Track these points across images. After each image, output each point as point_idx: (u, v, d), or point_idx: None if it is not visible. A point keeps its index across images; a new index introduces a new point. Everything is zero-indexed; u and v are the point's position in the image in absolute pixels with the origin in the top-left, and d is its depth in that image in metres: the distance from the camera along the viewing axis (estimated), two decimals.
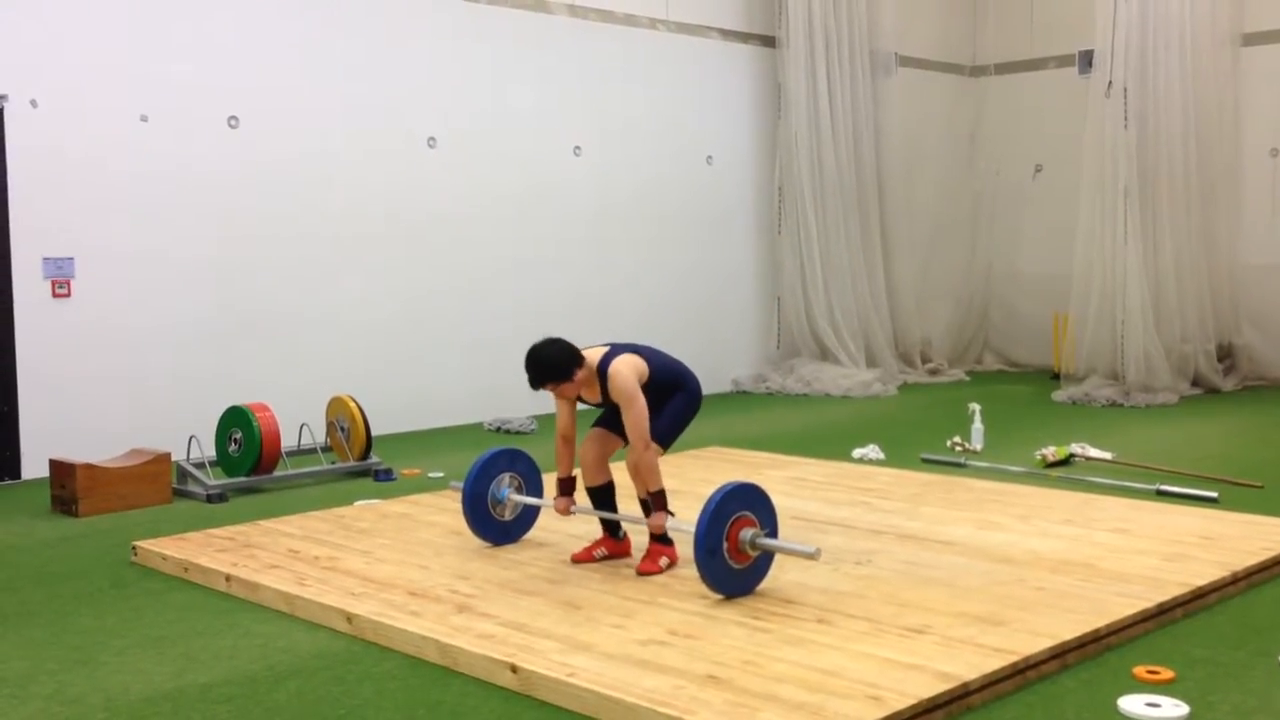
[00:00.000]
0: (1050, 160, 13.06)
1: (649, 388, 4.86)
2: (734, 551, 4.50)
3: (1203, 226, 11.22)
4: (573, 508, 5.12)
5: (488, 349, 9.73)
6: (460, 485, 5.36)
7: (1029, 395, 11.20)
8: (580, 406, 5.09)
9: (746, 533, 4.51)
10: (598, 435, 5.10)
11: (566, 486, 5.11)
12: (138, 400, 7.91)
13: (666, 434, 4.90)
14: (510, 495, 5.39)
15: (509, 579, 4.84)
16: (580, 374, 4.85)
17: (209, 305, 8.26)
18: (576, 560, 5.10)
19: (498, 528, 5.42)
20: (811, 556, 4.50)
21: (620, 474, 5.05)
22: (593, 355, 4.90)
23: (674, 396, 4.95)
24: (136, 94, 7.90)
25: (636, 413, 4.76)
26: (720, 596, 4.52)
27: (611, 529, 5.17)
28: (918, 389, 11.81)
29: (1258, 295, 11.72)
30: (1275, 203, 11.68)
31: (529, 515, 5.53)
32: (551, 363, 4.81)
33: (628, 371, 4.80)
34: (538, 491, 5.48)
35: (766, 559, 4.65)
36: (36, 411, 7.55)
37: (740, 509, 4.51)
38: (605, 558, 5.12)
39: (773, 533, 4.63)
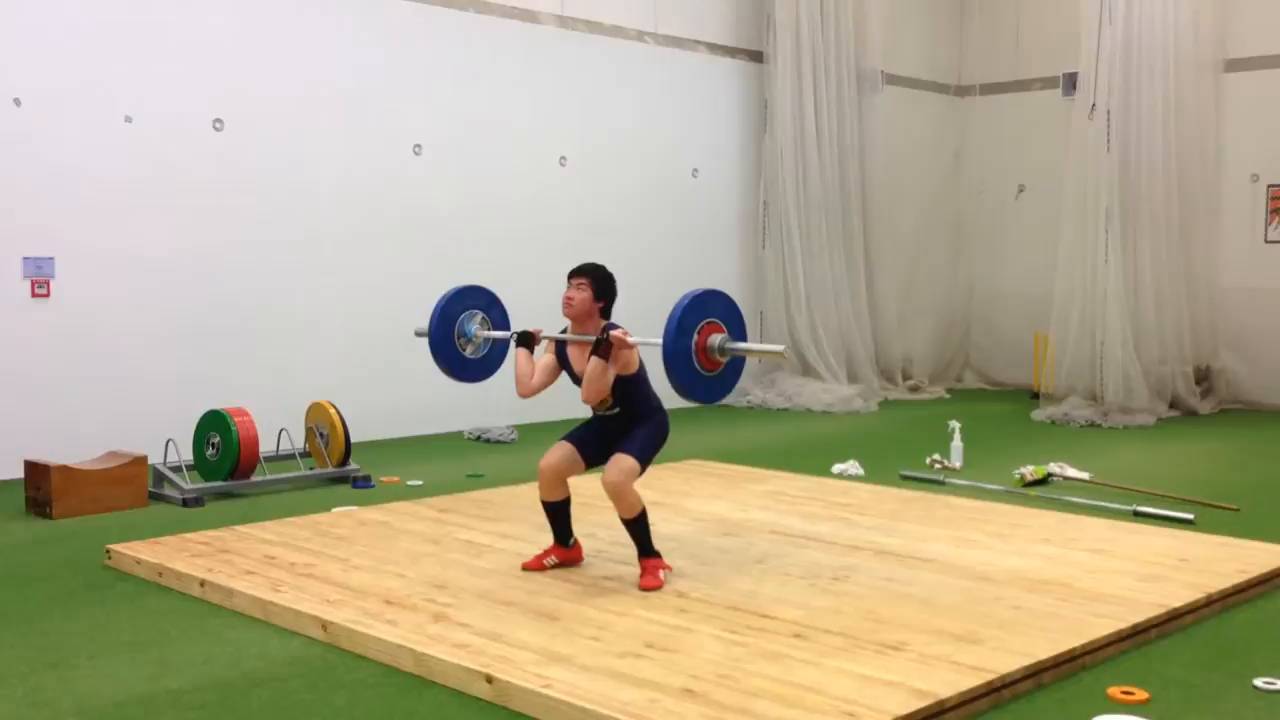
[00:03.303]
0: (1033, 181, 13.14)
1: (633, 387, 4.85)
2: (701, 355, 4.52)
3: (1183, 249, 11.30)
4: (542, 333, 5.12)
5: None
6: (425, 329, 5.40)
7: (1008, 414, 11.25)
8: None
9: (715, 338, 4.55)
10: (564, 450, 4.99)
11: (525, 337, 5.12)
12: (115, 402, 7.86)
13: (644, 453, 4.85)
14: (477, 332, 5.43)
15: (486, 588, 4.82)
16: (599, 311, 4.90)
17: (189, 308, 8.21)
18: (527, 568, 5.08)
19: (459, 361, 5.45)
20: (781, 354, 4.70)
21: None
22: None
23: (647, 422, 4.91)
24: (121, 94, 7.86)
25: (607, 366, 4.71)
26: (687, 402, 4.63)
27: (562, 538, 5.14)
28: (898, 405, 11.84)
29: (1236, 319, 11.80)
30: (1255, 227, 11.77)
31: (492, 360, 5.52)
32: (605, 274, 4.94)
33: (629, 341, 4.78)
34: (505, 342, 5.49)
35: (732, 372, 4.68)
36: (12, 412, 7.48)
37: (709, 315, 4.55)
38: (556, 566, 5.10)
39: (741, 339, 4.67)
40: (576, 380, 4.92)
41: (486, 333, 5.45)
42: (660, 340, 4.49)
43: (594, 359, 4.71)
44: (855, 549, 5.53)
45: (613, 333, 4.72)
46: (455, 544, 5.60)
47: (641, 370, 4.94)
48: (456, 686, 3.87)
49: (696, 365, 4.52)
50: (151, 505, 6.77)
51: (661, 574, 4.90)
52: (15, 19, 7.45)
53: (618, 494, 4.77)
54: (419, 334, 5.50)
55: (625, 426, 4.88)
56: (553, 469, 4.97)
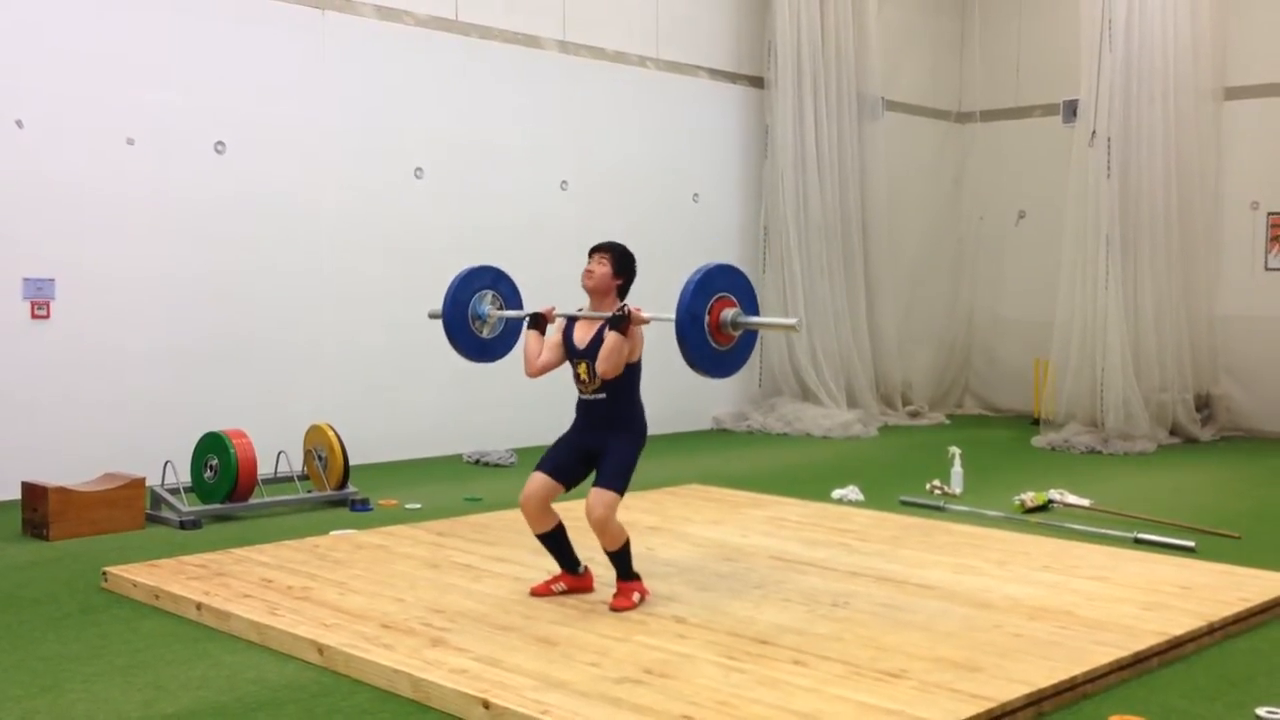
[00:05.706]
0: (1033, 207, 13.16)
1: (626, 377, 4.86)
2: (715, 330, 4.53)
3: (1183, 277, 11.32)
4: (555, 311, 5.12)
5: (468, 381, 9.69)
6: (439, 312, 5.43)
7: (1009, 440, 11.23)
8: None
9: (728, 313, 4.57)
10: (538, 480, 4.94)
11: (536, 319, 5.12)
12: (114, 424, 7.84)
13: (622, 480, 4.83)
14: (490, 312, 5.46)
15: (484, 613, 4.80)
16: (616, 289, 4.94)
17: (189, 330, 8.21)
18: (535, 593, 5.06)
19: (475, 343, 5.50)
20: (793, 328, 4.77)
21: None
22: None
23: (628, 427, 4.90)
24: (123, 117, 7.88)
25: (624, 340, 4.74)
26: (701, 375, 4.62)
27: (569, 565, 5.12)
28: (898, 431, 11.83)
29: (1236, 346, 11.81)
30: (1255, 255, 11.79)
31: (508, 339, 5.55)
32: (625, 251, 4.99)
33: (639, 329, 4.82)
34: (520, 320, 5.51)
35: (745, 347, 4.68)
36: (10, 433, 7.47)
37: (722, 289, 4.58)
38: (565, 593, 5.09)
39: (753, 314, 4.69)
40: (573, 355, 4.95)
41: (500, 312, 5.50)
42: (673, 315, 4.53)
43: (612, 334, 4.74)
44: (855, 575, 5.50)
45: (629, 306, 4.79)
46: (453, 568, 5.58)
47: (639, 364, 4.95)
48: (454, 712, 3.84)
49: (710, 341, 4.57)
50: (149, 527, 6.75)
51: (635, 596, 4.91)
52: (17, 41, 7.48)
53: (602, 529, 4.78)
54: (433, 316, 5.56)
55: (607, 421, 4.87)
56: (532, 500, 4.94)
